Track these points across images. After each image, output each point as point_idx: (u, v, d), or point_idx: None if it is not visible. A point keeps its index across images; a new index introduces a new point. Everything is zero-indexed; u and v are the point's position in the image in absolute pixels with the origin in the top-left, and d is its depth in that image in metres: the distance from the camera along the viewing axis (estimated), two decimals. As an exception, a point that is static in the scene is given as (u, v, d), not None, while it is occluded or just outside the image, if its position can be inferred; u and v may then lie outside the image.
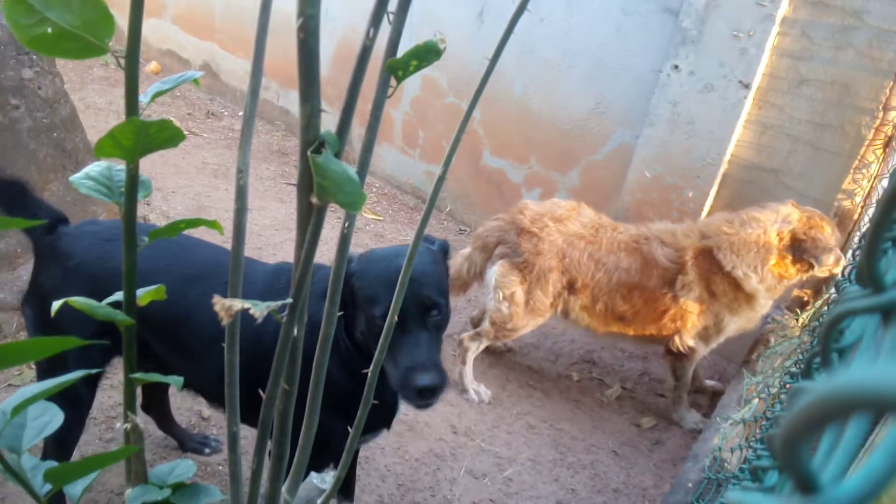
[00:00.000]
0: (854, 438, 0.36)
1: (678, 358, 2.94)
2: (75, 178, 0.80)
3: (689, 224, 2.92)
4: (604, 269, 2.82)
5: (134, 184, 0.80)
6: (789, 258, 2.67)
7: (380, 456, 2.52)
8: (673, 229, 2.88)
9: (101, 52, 0.67)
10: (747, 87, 3.14)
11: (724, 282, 2.74)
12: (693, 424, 3.00)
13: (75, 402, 1.79)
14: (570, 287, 2.86)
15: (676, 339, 2.87)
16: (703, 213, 3.40)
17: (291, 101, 5.40)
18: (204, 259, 1.77)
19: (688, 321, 2.82)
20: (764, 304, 2.81)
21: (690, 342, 2.86)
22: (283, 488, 1.02)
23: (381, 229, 4.36)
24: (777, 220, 2.69)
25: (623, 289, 2.82)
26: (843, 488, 0.26)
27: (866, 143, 2.97)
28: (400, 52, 0.81)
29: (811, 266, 2.67)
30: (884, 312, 0.41)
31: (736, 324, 2.86)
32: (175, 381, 0.99)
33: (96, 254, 1.71)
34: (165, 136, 0.72)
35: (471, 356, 3.01)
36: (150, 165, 4.27)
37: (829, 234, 2.66)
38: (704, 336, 2.88)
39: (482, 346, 3.04)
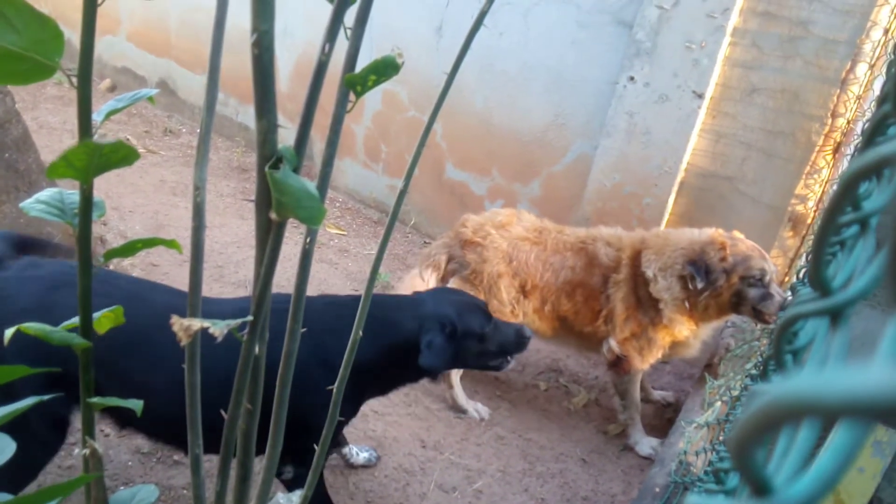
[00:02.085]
0: (807, 440, 0.36)
1: (617, 371, 2.86)
2: (25, 203, 0.78)
3: (640, 230, 2.93)
4: (551, 269, 2.83)
5: (88, 204, 0.78)
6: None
7: (348, 473, 2.49)
8: (621, 233, 2.89)
9: (51, 72, 0.66)
10: (701, 96, 3.22)
11: (647, 289, 2.69)
12: (649, 451, 2.90)
13: (39, 446, 1.74)
14: (522, 290, 2.87)
15: (606, 343, 2.83)
16: (663, 221, 3.46)
17: (251, 116, 5.35)
18: (163, 306, 1.72)
19: (615, 322, 2.78)
20: (675, 321, 2.69)
21: (616, 348, 2.79)
22: (249, 510, 1.00)
23: (345, 244, 4.34)
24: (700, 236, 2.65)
25: (568, 287, 2.83)
26: (794, 489, 0.27)
27: (817, 149, 3.06)
28: (359, 67, 0.81)
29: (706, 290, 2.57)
30: (832, 315, 0.43)
31: (663, 340, 2.78)
32: (135, 405, 0.97)
33: (43, 303, 1.62)
34: (120, 155, 0.71)
35: (455, 379, 2.99)
36: (106, 185, 4.19)
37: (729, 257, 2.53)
38: (636, 347, 2.79)
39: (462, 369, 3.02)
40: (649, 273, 2.67)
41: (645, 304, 2.73)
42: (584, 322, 2.87)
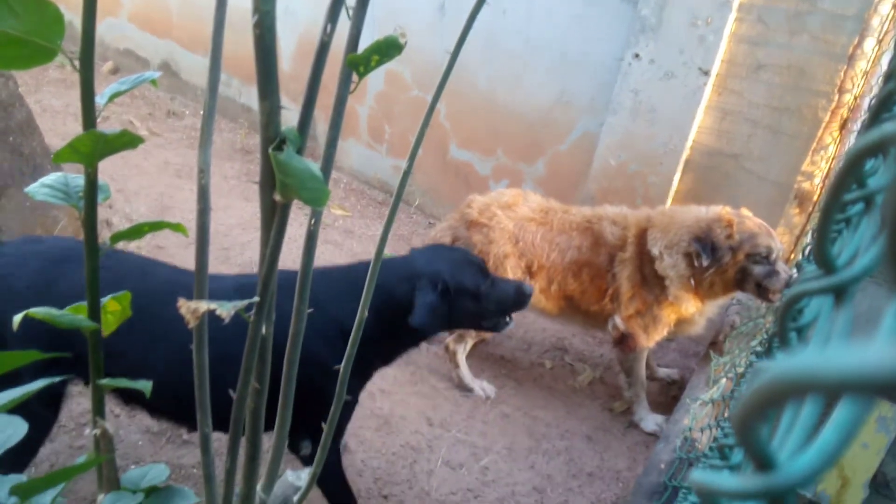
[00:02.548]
0: (811, 416, 0.37)
1: (622, 349, 2.88)
2: (31, 188, 0.79)
3: (646, 209, 2.92)
4: (557, 248, 2.83)
5: (93, 187, 0.79)
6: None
7: (356, 450, 2.52)
8: (626, 211, 2.89)
9: (52, 56, 0.66)
10: (707, 73, 3.19)
11: (652, 267, 2.71)
12: (654, 427, 2.92)
13: (36, 424, 1.74)
14: (529, 270, 2.87)
15: (612, 321, 2.85)
16: (668, 199, 3.45)
17: (253, 97, 5.31)
18: (165, 281, 1.71)
19: (621, 300, 2.80)
20: (680, 298, 2.70)
21: (622, 325, 2.81)
22: (259, 487, 1.01)
23: (349, 225, 4.34)
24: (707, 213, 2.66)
25: (574, 266, 2.84)
26: (797, 464, 0.27)
27: (823, 125, 3.04)
28: (362, 47, 0.81)
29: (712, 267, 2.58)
30: (836, 293, 0.43)
31: (669, 318, 2.80)
32: (144, 386, 0.98)
33: (46, 279, 1.60)
34: (124, 140, 0.71)
35: (461, 358, 3.00)
36: (111, 167, 4.19)
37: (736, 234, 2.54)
38: (641, 324, 2.81)
39: (469, 346, 3.04)
40: (655, 251, 2.67)
41: (650, 282, 2.74)
42: (591, 301, 2.88)
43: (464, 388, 3.00)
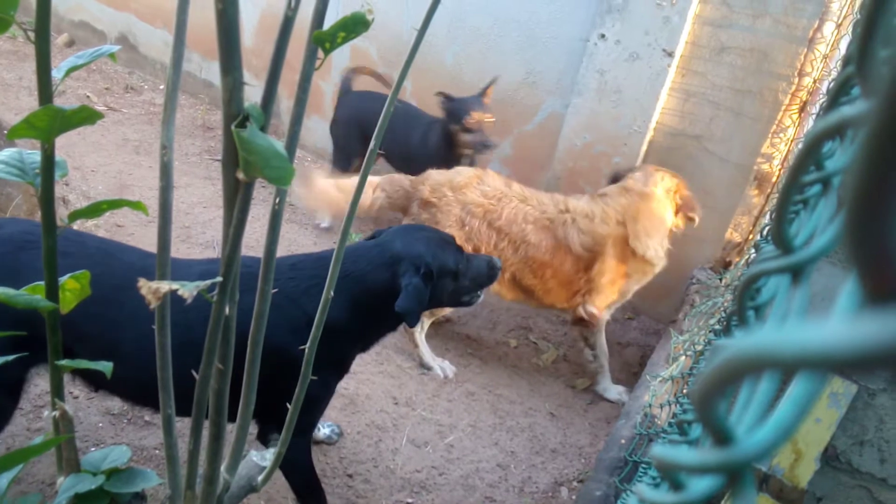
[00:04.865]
0: (767, 392, 0.38)
1: (585, 325, 2.97)
2: (-17, 160, 0.76)
3: (603, 206, 2.89)
4: (507, 239, 2.84)
5: (50, 164, 0.76)
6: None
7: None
8: (590, 212, 2.86)
9: (6, 27, 0.63)
10: (671, 55, 3.22)
11: (628, 251, 2.85)
12: (617, 396, 3.04)
13: None
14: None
15: (579, 308, 2.93)
16: (632, 180, 3.48)
17: (215, 73, 5.22)
18: (128, 266, 1.67)
19: (596, 294, 2.89)
20: (648, 249, 2.87)
21: (594, 310, 2.91)
22: (223, 467, 1.01)
23: (314, 203, 4.30)
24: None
25: (533, 264, 2.86)
26: (754, 438, 0.28)
27: (783, 108, 3.09)
28: (327, 24, 0.79)
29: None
30: (793, 272, 0.44)
31: (632, 284, 2.96)
32: (105, 367, 0.96)
33: (8, 266, 1.56)
34: (82, 116, 0.69)
35: (419, 337, 3.01)
36: (67, 143, 4.07)
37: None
38: (609, 303, 2.98)
39: (427, 324, 3.06)
40: (640, 250, 2.83)
41: (626, 265, 2.87)
42: (557, 299, 2.97)
43: (424, 367, 3.01)
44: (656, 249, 2.84)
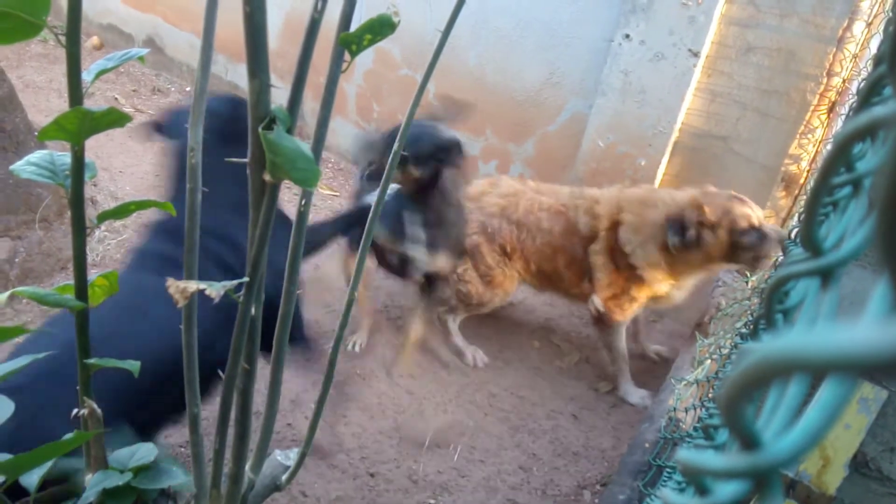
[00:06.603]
0: (795, 396, 0.37)
1: (600, 326, 2.97)
2: (16, 166, 0.78)
3: (613, 192, 2.90)
4: (525, 229, 2.89)
5: (80, 166, 0.78)
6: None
7: (342, 432, 2.53)
8: (597, 197, 2.89)
9: (37, 31, 0.65)
10: (696, 55, 3.19)
11: (625, 256, 2.79)
12: (638, 400, 2.98)
13: None
14: (504, 252, 2.96)
15: (591, 300, 2.93)
16: (656, 182, 3.46)
17: (240, 75, 5.27)
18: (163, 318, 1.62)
19: (598, 285, 2.87)
20: (655, 280, 2.78)
21: (600, 305, 2.88)
22: (247, 466, 1.02)
23: (337, 205, 4.32)
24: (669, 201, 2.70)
25: (548, 250, 2.90)
26: (782, 443, 0.28)
27: (811, 108, 3.05)
28: (354, 26, 0.80)
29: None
30: (823, 275, 0.43)
31: (643, 296, 2.87)
32: (133, 366, 0.98)
33: None
34: (111, 118, 0.70)
35: (453, 326, 3.09)
36: (95, 145, 4.14)
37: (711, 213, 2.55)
38: (618, 304, 2.89)
39: (460, 318, 3.13)
40: (628, 249, 2.74)
41: (624, 269, 2.81)
42: (571, 284, 2.98)
43: (456, 353, 3.05)
44: (643, 256, 2.78)
